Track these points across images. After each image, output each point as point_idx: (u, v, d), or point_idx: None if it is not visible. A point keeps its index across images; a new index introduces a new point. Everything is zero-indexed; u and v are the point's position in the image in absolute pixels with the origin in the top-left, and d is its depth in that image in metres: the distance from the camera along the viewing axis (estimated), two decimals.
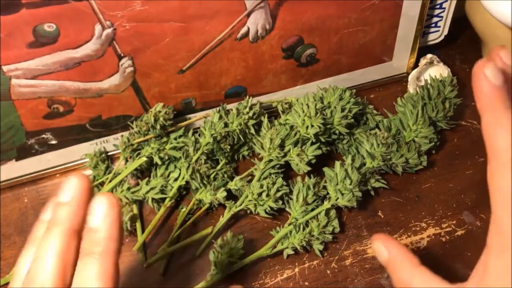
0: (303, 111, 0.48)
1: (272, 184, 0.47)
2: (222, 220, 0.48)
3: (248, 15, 0.48)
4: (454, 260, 0.47)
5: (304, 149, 0.48)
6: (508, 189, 0.28)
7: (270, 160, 0.48)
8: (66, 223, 0.27)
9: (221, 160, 0.52)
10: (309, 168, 0.48)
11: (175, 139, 0.52)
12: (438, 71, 0.58)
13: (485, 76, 0.30)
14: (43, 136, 0.51)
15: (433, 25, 0.59)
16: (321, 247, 0.47)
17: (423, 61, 0.58)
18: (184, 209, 0.50)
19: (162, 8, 0.45)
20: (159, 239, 0.50)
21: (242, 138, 0.51)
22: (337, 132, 0.51)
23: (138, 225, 0.50)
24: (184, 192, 0.52)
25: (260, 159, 0.49)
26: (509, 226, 0.28)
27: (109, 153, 0.55)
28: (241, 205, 0.48)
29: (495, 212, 0.29)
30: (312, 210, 0.47)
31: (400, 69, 0.60)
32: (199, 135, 0.51)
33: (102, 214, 0.27)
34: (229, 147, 0.51)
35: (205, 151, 0.50)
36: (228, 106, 0.52)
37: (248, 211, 0.49)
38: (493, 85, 0.29)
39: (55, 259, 0.27)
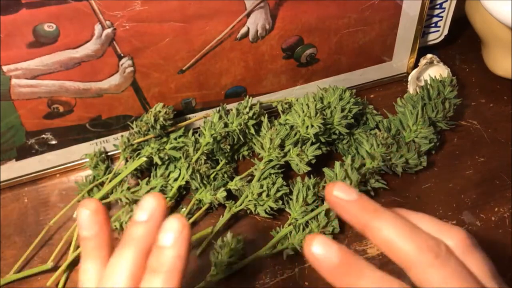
0: (303, 111, 0.48)
1: (272, 184, 0.47)
2: (222, 220, 0.48)
3: (248, 15, 0.48)
4: None
5: (304, 149, 0.48)
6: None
7: (270, 160, 0.48)
8: (142, 243, 0.28)
9: (221, 160, 0.52)
10: (309, 168, 0.48)
11: (175, 139, 0.52)
12: (438, 71, 0.58)
13: (340, 198, 0.28)
14: (43, 136, 0.51)
15: (433, 25, 0.59)
16: None
17: (423, 61, 0.58)
18: (184, 209, 0.50)
19: (162, 8, 0.45)
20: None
21: (242, 138, 0.51)
22: (337, 132, 0.51)
23: None
24: (184, 192, 0.52)
25: (260, 159, 0.49)
26: None
27: (109, 153, 0.55)
28: (241, 205, 0.48)
29: None
30: (312, 210, 0.47)
31: (400, 69, 0.60)
32: (199, 135, 0.51)
33: (174, 233, 0.27)
34: (229, 147, 0.51)
35: (205, 151, 0.50)
36: (228, 106, 0.52)
37: (248, 211, 0.49)
38: (350, 200, 0.28)
39: (127, 276, 0.27)
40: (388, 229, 0.27)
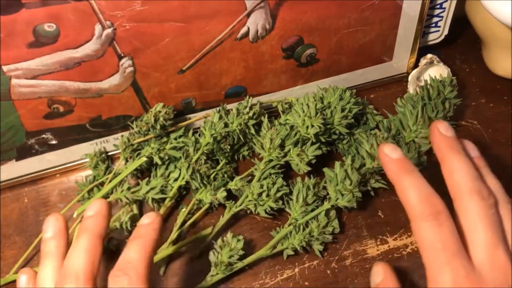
0: (303, 111, 0.48)
1: (272, 184, 0.47)
2: (222, 220, 0.48)
3: (248, 15, 0.48)
4: None
5: (304, 149, 0.48)
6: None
7: (270, 160, 0.48)
8: (93, 229, 0.36)
9: (221, 160, 0.52)
10: (309, 168, 0.48)
11: (175, 139, 0.52)
12: (438, 71, 0.58)
13: (440, 131, 0.38)
14: (43, 136, 0.51)
15: (433, 25, 0.59)
16: (321, 247, 0.47)
17: (423, 61, 0.58)
18: (184, 209, 0.50)
19: (162, 8, 0.45)
20: (159, 239, 0.50)
21: (242, 138, 0.51)
22: (337, 132, 0.51)
23: None
24: (184, 192, 0.52)
25: (260, 159, 0.49)
26: (442, 276, 0.33)
27: (109, 153, 0.55)
28: (241, 205, 0.48)
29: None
30: (312, 210, 0.47)
31: (400, 69, 0.60)
32: (199, 135, 0.51)
33: (150, 218, 0.37)
34: (229, 147, 0.51)
35: (205, 151, 0.50)
36: (228, 106, 0.52)
37: (248, 211, 0.49)
38: (447, 136, 0.37)
39: (85, 254, 0.34)
40: (458, 163, 0.37)
